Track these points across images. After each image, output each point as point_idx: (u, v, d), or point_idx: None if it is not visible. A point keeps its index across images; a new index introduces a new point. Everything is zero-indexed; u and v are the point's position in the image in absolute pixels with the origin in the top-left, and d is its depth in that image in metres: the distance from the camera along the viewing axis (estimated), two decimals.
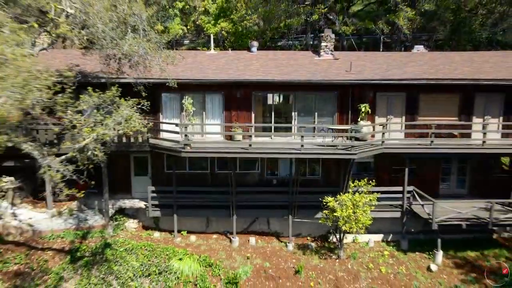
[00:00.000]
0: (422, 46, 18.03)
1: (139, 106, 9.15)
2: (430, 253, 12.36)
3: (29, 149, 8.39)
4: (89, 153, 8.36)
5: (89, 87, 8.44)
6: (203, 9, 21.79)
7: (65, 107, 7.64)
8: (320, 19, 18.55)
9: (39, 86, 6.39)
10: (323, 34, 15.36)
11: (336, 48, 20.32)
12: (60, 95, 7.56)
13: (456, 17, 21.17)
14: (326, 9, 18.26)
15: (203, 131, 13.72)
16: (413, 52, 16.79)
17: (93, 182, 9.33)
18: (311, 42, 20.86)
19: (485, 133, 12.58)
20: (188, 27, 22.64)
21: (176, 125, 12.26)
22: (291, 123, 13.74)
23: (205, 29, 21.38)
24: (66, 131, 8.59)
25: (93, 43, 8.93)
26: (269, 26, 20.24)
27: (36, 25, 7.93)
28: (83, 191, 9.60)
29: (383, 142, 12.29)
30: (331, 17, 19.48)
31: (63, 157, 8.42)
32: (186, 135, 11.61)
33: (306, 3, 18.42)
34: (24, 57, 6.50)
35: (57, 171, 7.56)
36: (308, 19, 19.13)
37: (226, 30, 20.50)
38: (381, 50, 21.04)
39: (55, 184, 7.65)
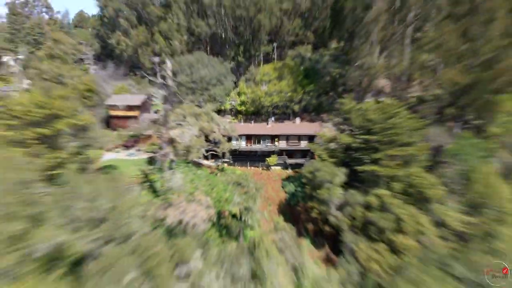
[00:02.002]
0: (299, 118, 63.57)
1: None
2: (287, 169, 58.76)
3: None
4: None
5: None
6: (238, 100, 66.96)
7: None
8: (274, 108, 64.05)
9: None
10: (269, 118, 61.16)
11: (285, 114, 66.45)
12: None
13: (315, 100, 66.29)
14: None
15: (241, 145, 59.90)
16: (293, 121, 62.59)
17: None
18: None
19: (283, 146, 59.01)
20: (229, 105, 67.78)
21: (238, 144, 58.77)
22: (261, 143, 59.91)
23: (238, 108, 66.84)
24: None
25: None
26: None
27: None
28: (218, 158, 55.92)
29: (277, 147, 58.72)
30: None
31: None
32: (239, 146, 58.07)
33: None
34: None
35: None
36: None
37: (244, 111, 66.01)
38: (291, 117, 66.56)
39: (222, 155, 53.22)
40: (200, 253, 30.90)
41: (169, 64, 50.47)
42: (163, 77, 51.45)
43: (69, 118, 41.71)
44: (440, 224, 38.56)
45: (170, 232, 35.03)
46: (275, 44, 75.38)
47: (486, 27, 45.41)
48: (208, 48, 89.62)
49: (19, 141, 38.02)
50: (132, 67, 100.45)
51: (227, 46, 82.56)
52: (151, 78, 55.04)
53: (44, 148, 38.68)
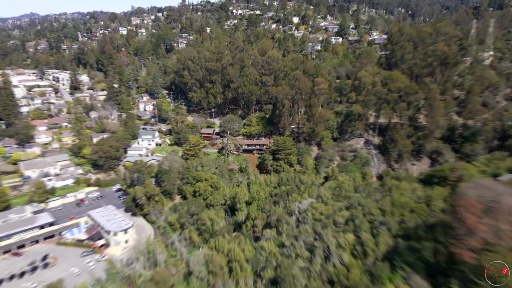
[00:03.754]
0: (264, 137, 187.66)
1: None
2: (260, 155, 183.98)
3: None
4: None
5: None
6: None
7: None
8: None
9: None
10: (254, 138, 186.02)
11: (260, 135, 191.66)
12: None
13: (269, 131, 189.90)
14: None
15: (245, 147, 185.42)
16: (262, 138, 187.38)
17: None
18: None
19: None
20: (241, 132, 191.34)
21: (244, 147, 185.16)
22: (251, 146, 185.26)
23: (244, 133, 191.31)
24: None
25: None
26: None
27: None
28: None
29: (256, 147, 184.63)
30: None
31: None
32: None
33: None
34: None
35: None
36: None
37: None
38: (261, 137, 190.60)
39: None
40: (239, 174, 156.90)
41: (218, 121, 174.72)
42: (220, 125, 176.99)
43: (202, 143, 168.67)
44: (295, 170, 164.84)
45: (231, 171, 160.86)
46: (258, 106, 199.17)
47: (314, 114, 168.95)
48: (231, 100, 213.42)
49: (191, 149, 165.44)
50: (198, 104, 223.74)
51: (239, 102, 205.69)
52: (205, 114, 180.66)
53: (200, 151, 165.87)
